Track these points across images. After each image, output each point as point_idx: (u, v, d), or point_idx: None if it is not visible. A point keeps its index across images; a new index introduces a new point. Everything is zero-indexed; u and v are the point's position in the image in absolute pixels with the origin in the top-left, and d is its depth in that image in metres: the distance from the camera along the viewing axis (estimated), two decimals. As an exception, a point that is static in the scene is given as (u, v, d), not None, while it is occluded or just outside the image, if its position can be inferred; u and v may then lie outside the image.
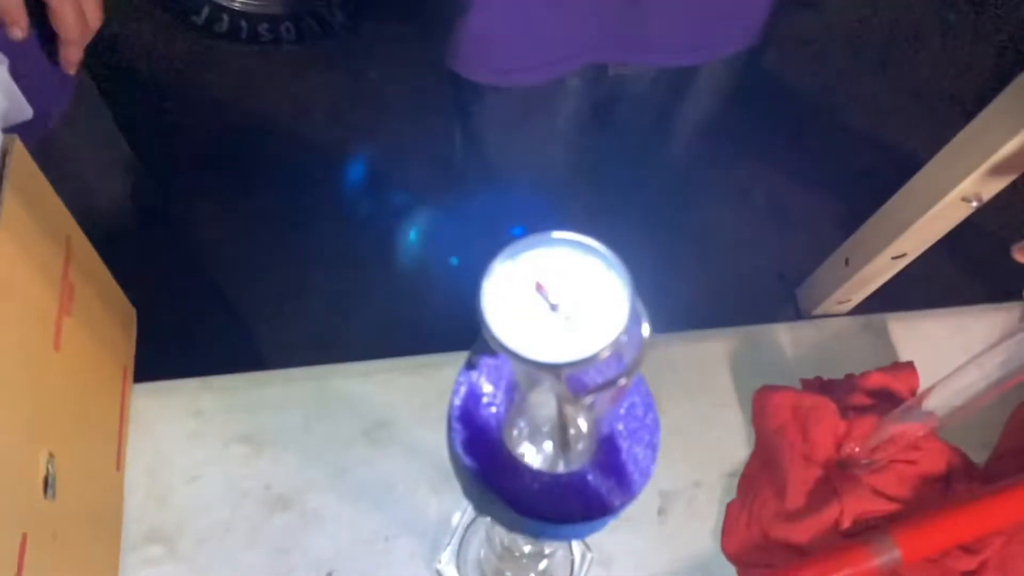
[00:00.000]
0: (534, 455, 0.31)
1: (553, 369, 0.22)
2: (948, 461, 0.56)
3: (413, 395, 0.59)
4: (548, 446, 0.31)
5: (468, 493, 0.32)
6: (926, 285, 0.78)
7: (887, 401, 0.57)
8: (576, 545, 0.54)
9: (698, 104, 0.85)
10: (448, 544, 0.53)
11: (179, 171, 1.43)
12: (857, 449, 0.55)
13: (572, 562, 0.53)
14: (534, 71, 0.73)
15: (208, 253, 1.28)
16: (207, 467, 0.56)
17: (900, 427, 0.53)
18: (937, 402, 0.50)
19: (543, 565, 0.49)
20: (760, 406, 0.58)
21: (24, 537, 0.39)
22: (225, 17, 1.61)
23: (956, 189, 0.47)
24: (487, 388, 0.31)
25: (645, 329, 0.24)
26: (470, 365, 0.30)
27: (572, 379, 0.24)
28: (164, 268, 0.84)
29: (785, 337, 0.64)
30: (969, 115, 0.48)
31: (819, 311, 0.65)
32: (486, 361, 0.30)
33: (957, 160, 0.47)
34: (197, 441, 0.56)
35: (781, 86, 1.60)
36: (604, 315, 0.23)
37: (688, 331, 0.64)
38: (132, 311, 0.60)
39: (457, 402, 0.31)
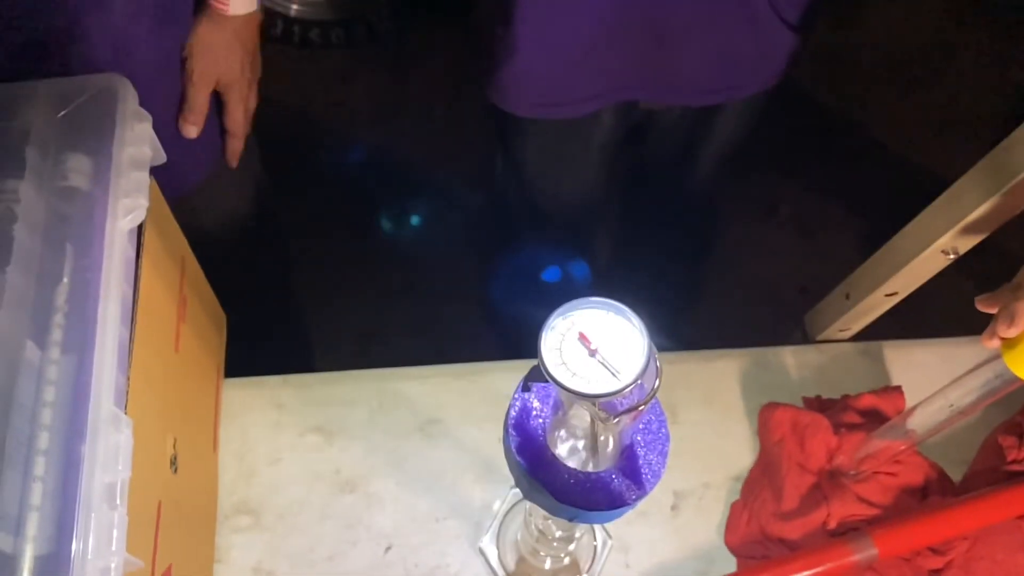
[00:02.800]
0: (571, 457, 0.40)
1: (590, 398, 0.31)
2: (926, 475, 0.64)
3: (462, 397, 0.68)
4: (582, 451, 0.40)
5: (519, 483, 0.40)
6: (923, 316, 0.85)
7: (875, 420, 0.65)
8: (599, 532, 0.63)
9: (723, 134, 0.93)
10: (490, 527, 0.63)
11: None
12: (846, 461, 0.63)
13: (595, 548, 0.62)
14: (570, 107, 0.81)
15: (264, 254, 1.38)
16: (286, 452, 0.65)
17: (884, 443, 0.61)
18: (918, 420, 0.58)
19: (571, 547, 0.58)
20: (764, 420, 0.66)
21: (159, 504, 0.49)
22: (280, 22, 1.71)
23: (935, 243, 0.55)
24: (536, 405, 0.40)
25: (657, 370, 0.33)
26: (525, 388, 0.39)
27: (604, 404, 0.33)
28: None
29: (791, 359, 0.72)
30: (993, 137, 0.52)
31: (822, 337, 0.73)
32: (538, 386, 0.39)
33: (937, 218, 0.55)
34: (278, 430, 0.66)
35: (809, 102, 1.66)
36: (629, 360, 0.32)
37: (704, 351, 0.72)
38: (223, 316, 0.70)
39: (513, 414, 0.40)
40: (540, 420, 0.40)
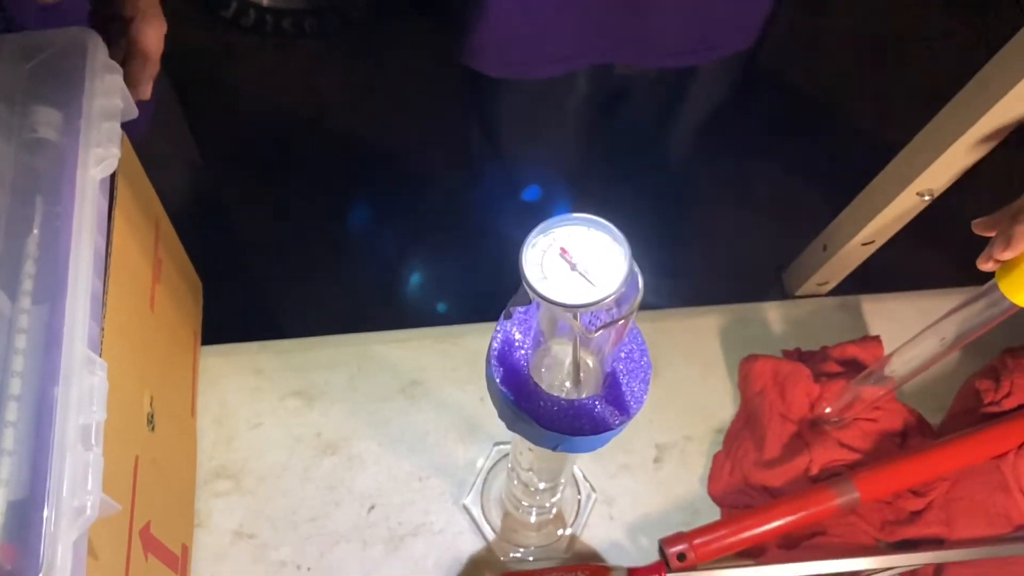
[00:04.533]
0: (554, 388, 0.40)
1: (572, 309, 0.31)
2: (905, 420, 0.64)
3: (443, 359, 0.68)
4: (566, 384, 0.40)
5: (503, 415, 0.40)
6: (899, 270, 0.86)
7: (855, 369, 0.65)
8: (583, 486, 0.63)
9: (700, 101, 0.93)
10: (473, 484, 0.62)
11: (208, 162, 1.52)
12: (828, 409, 0.63)
13: (579, 501, 0.62)
14: (543, 66, 0.81)
15: (240, 237, 1.37)
16: (266, 417, 0.65)
17: (864, 389, 0.61)
18: (896, 366, 0.58)
19: (555, 498, 0.58)
20: (745, 372, 0.67)
21: (136, 459, 0.48)
22: (252, 12, 1.70)
23: (911, 185, 0.56)
24: (518, 336, 0.40)
25: (639, 284, 0.33)
26: (507, 315, 0.39)
27: (586, 319, 0.33)
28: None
29: (770, 314, 0.72)
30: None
31: (801, 292, 0.74)
32: (519, 313, 0.39)
33: (911, 160, 0.55)
34: (257, 395, 0.65)
35: (784, 82, 1.67)
36: (609, 273, 0.32)
37: (684, 308, 0.72)
38: (199, 283, 0.69)
39: (495, 346, 0.39)
40: (523, 352, 0.40)
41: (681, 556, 0.57)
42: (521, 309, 0.38)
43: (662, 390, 0.68)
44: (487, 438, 0.64)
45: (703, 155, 1.06)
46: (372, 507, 0.61)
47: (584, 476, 0.63)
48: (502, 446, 0.64)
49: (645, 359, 0.40)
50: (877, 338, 0.68)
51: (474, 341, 0.69)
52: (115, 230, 0.48)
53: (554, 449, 0.39)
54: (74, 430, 0.38)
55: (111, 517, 0.43)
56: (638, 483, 0.64)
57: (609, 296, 0.31)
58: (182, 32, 1.64)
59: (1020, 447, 0.60)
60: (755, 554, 0.60)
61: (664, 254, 1.33)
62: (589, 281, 0.32)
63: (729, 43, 0.85)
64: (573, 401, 0.38)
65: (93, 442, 0.39)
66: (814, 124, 1.63)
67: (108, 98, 0.48)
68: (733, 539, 0.58)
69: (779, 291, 0.79)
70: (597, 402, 0.39)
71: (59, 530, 0.36)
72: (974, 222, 0.49)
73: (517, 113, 0.89)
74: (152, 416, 0.52)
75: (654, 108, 0.97)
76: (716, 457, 0.64)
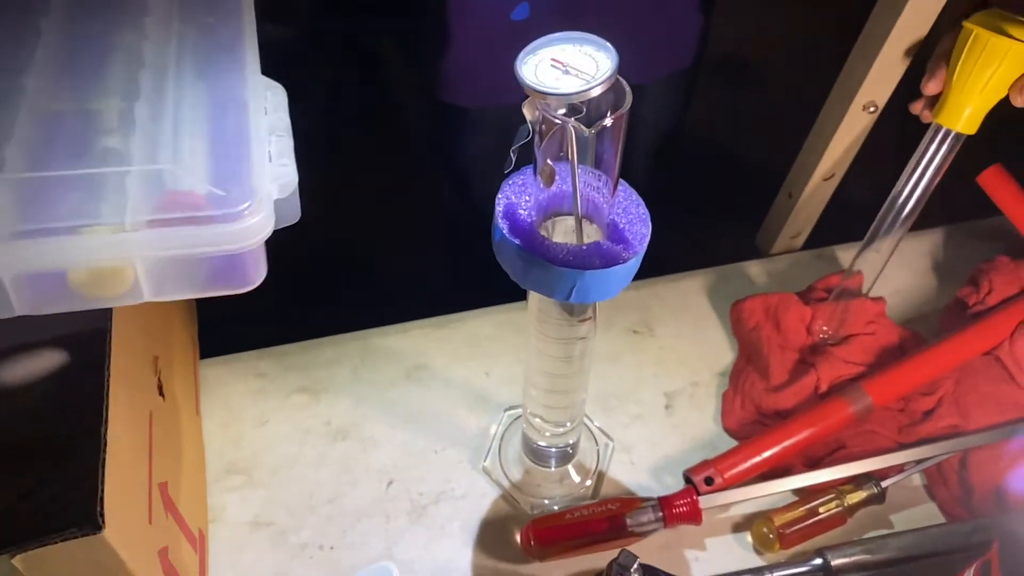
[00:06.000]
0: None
1: (567, 97, 0.34)
2: (900, 336, 0.66)
3: (445, 343, 0.69)
4: (570, 239, 0.42)
5: (515, 271, 0.41)
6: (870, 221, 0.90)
7: (842, 296, 0.68)
8: (599, 436, 0.62)
9: (650, 122, 1.00)
10: (490, 448, 0.62)
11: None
12: (825, 328, 0.65)
13: (597, 452, 0.62)
14: (507, 93, 0.87)
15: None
16: (272, 414, 0.64)
17: (852, 302, 0.64)
18: (867, 255, 0.62)
19: (572, 441, 0.57)
20: (736, 314, 0.68)
21: (150, 415, 0.48)
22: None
23: (855, 100, 0.61)
24: (516, 200, 0.42)
25: (627, 89, 0.36)
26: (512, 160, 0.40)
27: (587, 114, 0.35)
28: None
29: (752, 270, 0.75)
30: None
31: (776, 249, 0.77)
32: (512, 180, 0.41)
33: (852, 73, 0.61)
34: (262, 396, 0.65)
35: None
36: (599, 68, 0.35)
37: (669, 275, 0.75)
38: (193, 301, 0.69)
39: (500, 210, 0.41)
40: (524, 213, 0.42)
41: (708, 480, 0.57)
42: (514, 177, 0.41)
43: (661, 346, 0.69)
44: (496, 407, 0.64)
45: (659, 178, 1.11)
46: (391, 482, 0.60)
47: (600, 428, 0.63)
48: (512, 411, 0.63)
49: (641, 208, 0.42)
50: (859, 271, 0.70)
51: (474, 325, 0.70)
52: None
53: (567, 299, 0.41)
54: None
55: (131, 460, 0.42)
56: (653, 430, 0.63)
57: (603, 80, 0.34)
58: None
59: (1012, 335, 0.62)
60: (781, 475, 0.59)
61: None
62: (582, 78, 0.35)
63: (670, 61, 0.92)
64: (581, 246, 0.40)
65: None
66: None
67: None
68: (757, 459, 0.58)
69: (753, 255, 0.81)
70: (603, 244, 0.41)
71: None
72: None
73: (489, 143, 0.94)
74: (161, 387, 0.52)
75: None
76: (725, 395, 0.65)
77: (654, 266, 0.73)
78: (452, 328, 0.70)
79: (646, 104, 0.98)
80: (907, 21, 0.56)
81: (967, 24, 0.51)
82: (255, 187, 0.38)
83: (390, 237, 1.48)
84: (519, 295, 0.46)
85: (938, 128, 0.54)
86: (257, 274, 0.40)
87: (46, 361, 0.45)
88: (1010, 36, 0.50)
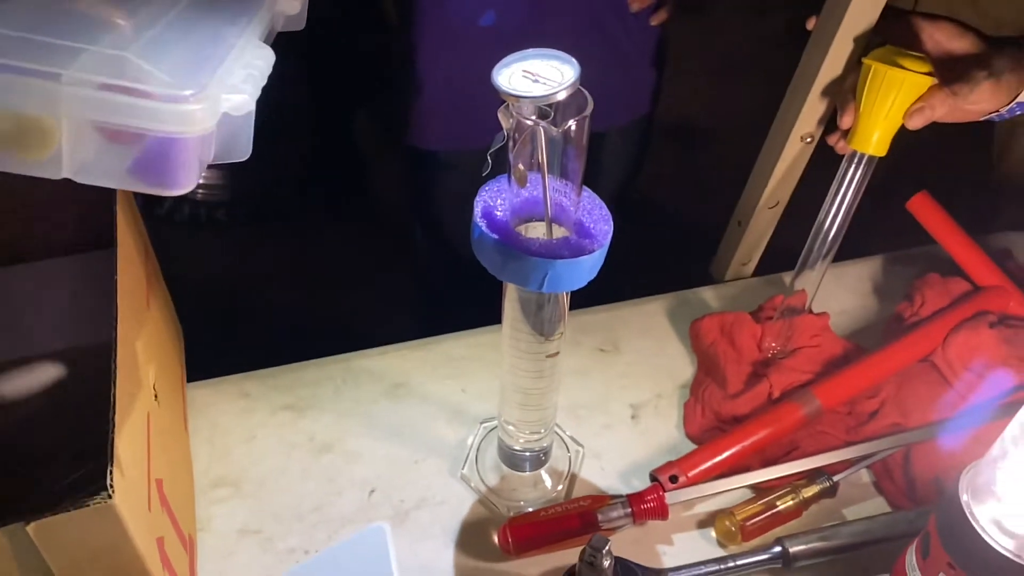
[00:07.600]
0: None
1: (537, 100, 0.39)
2: (844, 347, 0.71)
3: (423, 363, 0.72)
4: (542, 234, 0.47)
5: (493, 264, 0.46)
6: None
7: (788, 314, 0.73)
8: (570, 444, 0.66)
9: (610, 167, 1.07)
10: (467, 457, 0.65)
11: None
12: (774, 345, 0.70)
13: (569, 458, 0.65)
14: (477, 138, 0.94)
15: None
16: (258, 430, 0.67)
17: (796, 320, 0.69)
18: (802, 274, 0.68)
19: (545, 446, 0.61)
20: (695, 332, 0.73)
21: (148, 415, 0.51)
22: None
23: (793, 131, 0.68)
24: (492, 203, 0.47)
25: (588, 97, 0.41)
26: (489, 166, 0.45)
27: (553, 119, 0.41)
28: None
29: (707, 295, 0.81)
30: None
31: (729, 276, 0.83)
32: (488, 187, 0.46)
33: (789, 108, 0.68)
34: (248, 414, 0.68)
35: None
36: (564, 79, 0.40)
37: (633, 300, 0.80)
38: (179, 326, 0.73)
39: (478, 211, 0.46)
40: (500, 213, 0.47)
41: (673, 478, 0.61)
42: (490, 184, 0.46)
43: (627, 361, 0.73)
44: (473, 420, 0.68)
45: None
46: (373, 491, 0.63)
47: (571, 437, 0.66)
48: (488, 423, 0.67)
49: (604, 211, 0.48)
50: (803, 291, 0.76)
51: (450, 346, 0.74)
52: (118, 230, 0.53)
53: (540, 288, 0.45)
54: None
55: (132, 454, 0.45)
56: (621, 438, 0.67)
57: (568, 85, 0.39)
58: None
59: (943, 342, 0.68)
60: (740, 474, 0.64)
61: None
62: (550, 85, 0.40)
63: (627, 111, 1.00)
64: (552, 239, 0.45)
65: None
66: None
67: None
68: (718, 458, 0.62)
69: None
70: (571, 238, 0.46)
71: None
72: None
73: (458, 188, 1.00)
74: (156, 394, 0.55)
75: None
76: (687, 404, 0.69)
77: (618, 293, 0.80)
78: (429, 349, 0.74)
79: (606, 151, 1.05)
80: (832, 61, 0.63)
81: (866, 60, 0.59)
82: (205, 84, 0.37)
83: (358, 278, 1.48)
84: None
85: (853, 153, 0.61)
86: (187, 179, 0.38)
87: (50, 372, 0.49)
88: (904, 68, 0.57)
